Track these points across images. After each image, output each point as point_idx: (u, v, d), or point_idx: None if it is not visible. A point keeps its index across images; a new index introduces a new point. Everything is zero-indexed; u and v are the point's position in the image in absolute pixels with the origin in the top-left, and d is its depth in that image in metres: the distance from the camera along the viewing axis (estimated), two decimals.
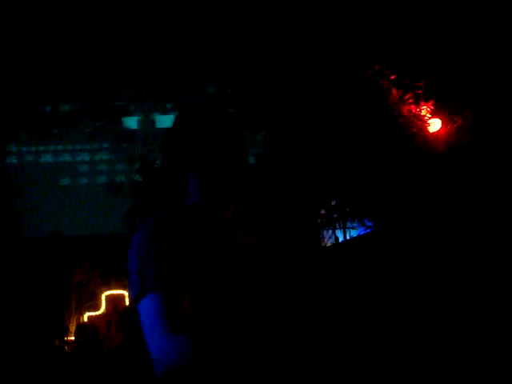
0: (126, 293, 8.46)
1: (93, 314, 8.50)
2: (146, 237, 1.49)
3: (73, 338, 8.26)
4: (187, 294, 1.41)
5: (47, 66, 7.00)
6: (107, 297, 8.53)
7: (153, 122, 12.65)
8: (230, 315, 1.43)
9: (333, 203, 5.95)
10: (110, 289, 8.63)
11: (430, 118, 5.49)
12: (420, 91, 5.46)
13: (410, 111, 5.47)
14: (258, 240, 1.62)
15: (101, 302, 8.56)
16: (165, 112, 12.07)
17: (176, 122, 1.67)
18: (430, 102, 5.47)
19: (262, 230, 1.66)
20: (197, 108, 1.69)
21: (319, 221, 6.04)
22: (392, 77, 5.49)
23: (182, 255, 1.44)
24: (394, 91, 5.47)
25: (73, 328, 8.50)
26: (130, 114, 11.83)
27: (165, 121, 11.83)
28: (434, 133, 5.50)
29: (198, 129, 1.61)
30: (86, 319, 8.43)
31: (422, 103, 5.49)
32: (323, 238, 6.20)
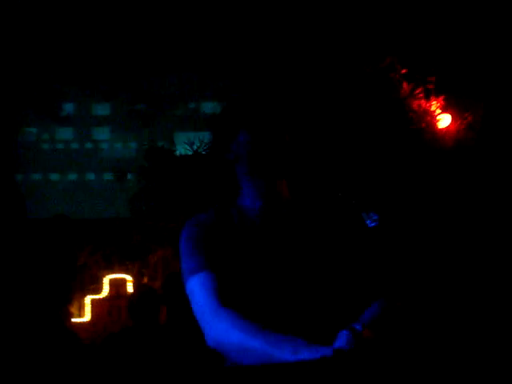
0: (128, 277, 8.49)
1: (95, 297, 8.53)
2: (210, 222, 1.64)
3: (77, 320, 8.34)
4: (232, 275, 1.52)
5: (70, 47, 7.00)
6: (110, 281, 8.56)
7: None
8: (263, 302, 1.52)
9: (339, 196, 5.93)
10: (112, 273, 8.66)
11: (439, 113, 5.47)
12: (431, 86, 5.43)
13: (419, 106, 5.45)
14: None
15: (103, 286, 8.59)
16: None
17: (228, 105, 1.81)
18: (441, 98, 5.45)
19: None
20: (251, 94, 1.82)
21: None
22: (403, 71, 5.46)
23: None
24: (405, 85, 5.45)
25: (74, 310, 8.55)
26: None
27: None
28: (443, 128, 5.48)
29: (251, 111, 1.72)
30: (87, 301, 8.47)
31: (433, 98, 5.46)
32: None
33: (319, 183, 5.46)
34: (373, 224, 5.86)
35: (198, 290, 1.49)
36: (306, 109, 5.89)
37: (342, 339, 1.32)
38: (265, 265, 1.56)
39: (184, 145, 6.59)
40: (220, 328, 1.39)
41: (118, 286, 8.51)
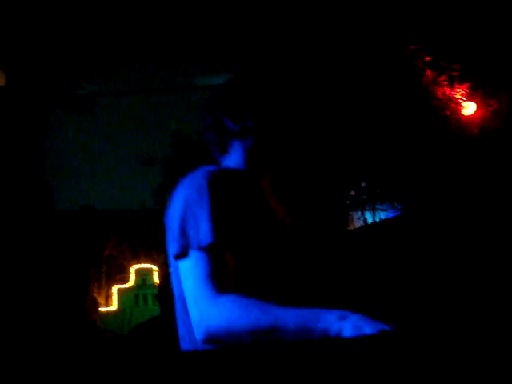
0: (154, 267, 8.58)
1: (122, 286, 8.65)
2: (199, 187, 1.39)
3: (103, 310, 8.46)
4: (231, 255, 1.33)
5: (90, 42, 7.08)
6: (136, 270, 8.66)
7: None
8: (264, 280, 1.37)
9: (363, 185, 5.93)
10: (138, 263, 8.76)
11: (464, 100, 5.43)
12: (455, 73, 5.38)
13: (444, 93, 5.41)
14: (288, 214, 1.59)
15: (129, 276, 8.70)
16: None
17: (229, 81, 1.64)
18: (465, 85, 5.40)
19: (293, 205, 1.65)
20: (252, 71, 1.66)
21: (348, 202, 6.04)
22: (427, 58, 5.42)
23: (230, 213, 1.37)
24: (429, 73, 5.41)
25: (102, 300, 8.67)
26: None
27: None
28: (468, 116, 5.43)
29: (252, 89, 1.59)
30: (114, 291, 8.59)
31: (457, 86, 5.42)
32: (352, 219, 6.20)
33: (336, 172, 5.46)
34: (397, 213, 5.84)
35: (195, 271, 1.28)
36: (330, 97, 5.88)
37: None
38: (274, 239, 1.41)
39: None
40: (226, 316, 1.21)
41: (144, 275, 8.61)
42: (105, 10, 6.67)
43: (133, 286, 8.64)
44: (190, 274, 1.31)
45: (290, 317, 1.18)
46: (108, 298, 8.75)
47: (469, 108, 5.42)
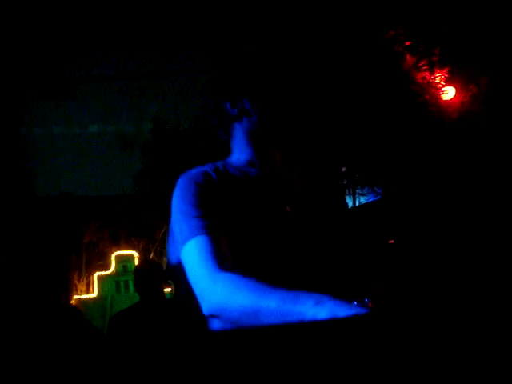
0: (135, 253, 8.56)
1: (102, 273, 8.62)
2: (182, 189, 1.51)
3: (83, 297, 8.43)
4: (225, 238, 1.43)
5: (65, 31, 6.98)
6: (117, 257, 8.63)
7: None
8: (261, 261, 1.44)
9: (343, 169, 5.95)
10: (119, 249, 8.73)
11: (443, 85, 5.44)
12: (435, 58, 5.40)
13: (424, 78, 5.42)
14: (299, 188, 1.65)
15: (110, 262, 8.67)
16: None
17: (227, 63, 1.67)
18: (445, 70, 5.42)
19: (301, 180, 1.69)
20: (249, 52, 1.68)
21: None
22: (407, 43, 5.42)
23: (215, 203, 1.48)
24: (409, 57, 5.41)
25: (82, 286, 8.64)
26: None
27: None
28: (447, 101, 5.46)
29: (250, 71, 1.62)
30: (95, 277, 8.56)
31: (437, 70, 5.43)
32: None
33: (320, 157, 5.47)
34: (377, 197, 5.87)
35: (194, 254, 1.39)
36: (311, 81, 5.85)
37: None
38: (266, 222, 1.48)
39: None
40: (221, 292, 1.30)
41: (125, 262, 8.59)
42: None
43: (113, 273, 8.61)
44: (189, 257, 1.42)
45: (273, 299, 1.24)
46: (89, 285, 8.72)
47: (448, 92, 5.45)
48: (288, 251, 1.48)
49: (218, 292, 1.32)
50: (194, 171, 1.55)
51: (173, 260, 1.53)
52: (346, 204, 6.19)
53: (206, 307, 1.34)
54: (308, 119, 1.70)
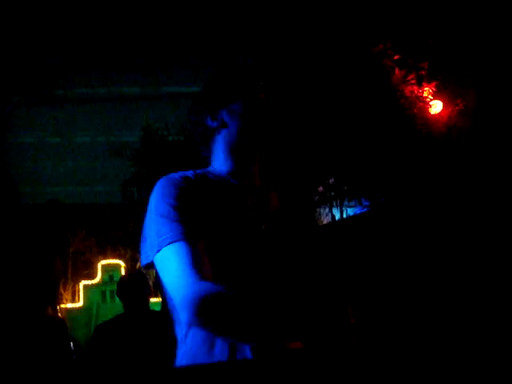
0: (121, 263, 8.51)
1: (88, 282, 8.56)
2: (156, 195, 1.53)
3: (69, 306, 8.36)
4: (203, 244, 1.45)
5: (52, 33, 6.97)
6: (103, 266, 8.58)
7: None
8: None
9: (331, 181, 5.96)
10: (105, 258, 8.68)
11: (431, 99, 5.49)
12: (423, 72, 5.44)
13: (412, 92, 5.47)
14: (276, 204, 1.68)
15: (97, 271, 8.61)
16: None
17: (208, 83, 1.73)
18: (433, 84, 5.46)
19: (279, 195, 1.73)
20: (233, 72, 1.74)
21: (316, 198, 6.06)
22: (396, 57, 5.47)
23: (190, 210, 1.49)
24: (397, 71, 5.46)
25: (68, 295, 8.57)
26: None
27: None
28: (435, 115, 5.50)
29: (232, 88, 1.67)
30: (81, 286, 8.49)
31: (425, 84, 5.48)
32: (320, 215, 6.23)
33: (307, 169, 5.48)
34: (364, 209, 5.89)
35: (174, 261, 1.40)
36: (299, 93, 5.89)
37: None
38: (240, 234, 1.51)
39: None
40: (203, 302, 1.35)
41: (111, 271, 8.54)
42: (77, 5, 6.58)
43: (99, 282, 8.55)
44: (169, 263, 1.44)
45: (230, 323, 1.37)
46: (74, 294, 8.65)
47: (436, 107, 5.49)
48: (256, 267, 1.50)
49: (200, 302, 1.35)
50: (175, 175, 1.57)
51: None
52: (334, 217, 6.20)
53: (186, 316, 1.38)
54: (285, 131, 1.75)
